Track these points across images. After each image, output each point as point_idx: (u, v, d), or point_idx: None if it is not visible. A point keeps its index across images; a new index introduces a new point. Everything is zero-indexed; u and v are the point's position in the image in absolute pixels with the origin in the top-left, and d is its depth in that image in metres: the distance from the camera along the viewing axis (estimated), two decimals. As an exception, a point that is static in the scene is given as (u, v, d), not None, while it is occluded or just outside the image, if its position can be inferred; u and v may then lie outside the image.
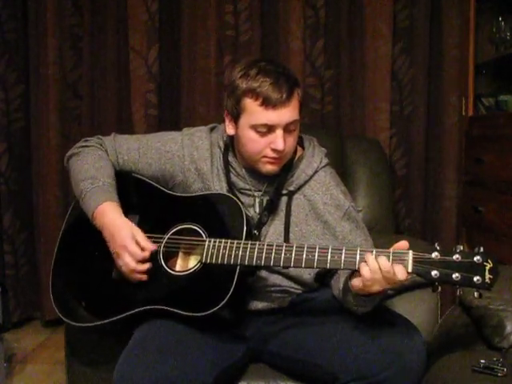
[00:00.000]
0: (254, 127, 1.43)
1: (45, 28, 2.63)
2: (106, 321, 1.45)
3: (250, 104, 1.42)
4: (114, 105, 2.70)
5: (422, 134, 2.60)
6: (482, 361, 1.31)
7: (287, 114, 1.41)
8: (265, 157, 1.46)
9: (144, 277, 1.42)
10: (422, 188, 2.64)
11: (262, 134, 1.43)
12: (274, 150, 1.43)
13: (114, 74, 2.69)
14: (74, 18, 2.69)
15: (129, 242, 1.41)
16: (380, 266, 1.22)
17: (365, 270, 1.23)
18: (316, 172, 1.56)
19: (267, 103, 1.40)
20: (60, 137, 2.69)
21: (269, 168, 1.48)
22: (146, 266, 1.42)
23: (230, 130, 1.51)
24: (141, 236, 1.43)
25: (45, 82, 2.66)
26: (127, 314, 1.42)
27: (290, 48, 2.56)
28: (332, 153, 2.11)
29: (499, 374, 1.28)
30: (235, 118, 1.47)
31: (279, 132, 1.42)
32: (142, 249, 1.41)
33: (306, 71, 2.60)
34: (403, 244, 1.25)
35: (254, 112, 1.41)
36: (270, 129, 1.42)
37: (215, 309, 1.34)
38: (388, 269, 1.21)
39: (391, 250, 1.25)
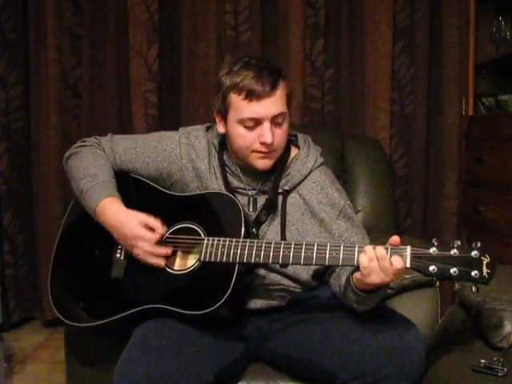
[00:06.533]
0: (241, 122, 1.44)
1: (45, 28, 2.63)
2: (105, 320, 1.44)
3: (235, 99, 1.43)
4: (114, 105, 2.70)
5: (422, 134, 2.61)
6: (482, 361, 1.31)
7: (272, 106, 1.42)
8: (255, 151, 1.46)
9: (163, 262, 1.43)
10: (422, 188, 2.65)
11: (250, 128, 1.44)
12: (263, 144, 1.44)
13: (114, 73, 2.69)
14: (73, 17, 2.69)
15: (139, 230, 1.41)
16: (377, 254, 1.23)
17: (362, 257, 1.25)
18: (311, 171, 1.56)
19: (251, 96, 1.41)
20: (60, 137, 2.68)
21: (260, 163, 1.48)
22: (163, 249, 1.43)
23: (220, 128, 1.53)
24: (150, 219, 1.43)
25: (45, 82, 2.66)
26: (127, 313, 1.42)
27: (290, 48, 2.56)
28: (332, 153, 2.13)
29: (499, 374, 1.28)
30: (224, 116, 1.48)
31: (266, 125, 1.43)
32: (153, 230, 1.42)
33: (306, 71, 2.60)
34: (395, 239, 1.25)
35: (240, 106, 1.43)
36: (257, 122, 1.43)
37: (215, 307, 1.34)
38: (384, 256, 1.22)
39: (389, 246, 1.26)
